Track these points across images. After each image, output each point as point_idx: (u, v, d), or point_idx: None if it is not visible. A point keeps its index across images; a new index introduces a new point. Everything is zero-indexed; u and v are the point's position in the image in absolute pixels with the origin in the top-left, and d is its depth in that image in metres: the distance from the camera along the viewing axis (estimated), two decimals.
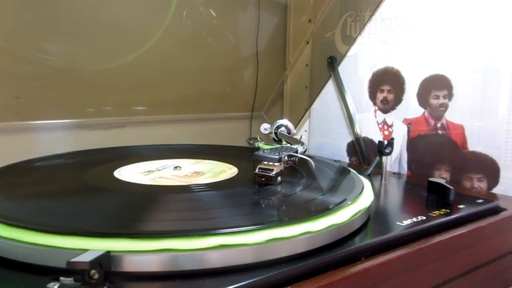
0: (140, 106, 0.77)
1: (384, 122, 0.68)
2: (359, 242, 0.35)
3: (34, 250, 0.29)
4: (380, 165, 0.59)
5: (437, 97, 0.61)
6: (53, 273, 0.27)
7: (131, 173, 0.50)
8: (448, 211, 0.44)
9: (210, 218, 0.35)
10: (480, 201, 0.48)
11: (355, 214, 0.37)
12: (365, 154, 0.70)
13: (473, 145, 0.57)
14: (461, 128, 0.58)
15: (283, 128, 0.63)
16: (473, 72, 0.57)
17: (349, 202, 0.38)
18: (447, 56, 0.59)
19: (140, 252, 0.28)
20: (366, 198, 0.41)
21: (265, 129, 0.67)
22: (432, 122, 0.62)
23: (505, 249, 0.46)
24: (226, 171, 0.52)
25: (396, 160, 0.66)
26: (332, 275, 0.31)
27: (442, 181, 0.48)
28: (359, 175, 0.49)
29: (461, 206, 0.46)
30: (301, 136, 0.82)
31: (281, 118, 0.87)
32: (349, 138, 0.74)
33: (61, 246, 0.29)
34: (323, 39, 0.80)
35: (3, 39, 0.59)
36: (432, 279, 0.39)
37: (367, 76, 0.70)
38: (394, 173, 0.66)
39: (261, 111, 0.94)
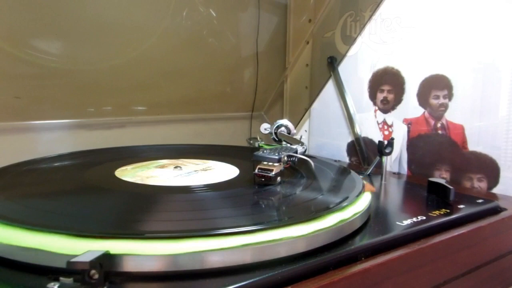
0: (140, 106, 0.77)
1: (384, 122, 0.68)
2: (359, 242, 0.35)
3: (34, 250, 0.29)
4: (380, 165, 0.59)
5: (437, 97, 0.61)
6: (53, 273, 0.27)
7: (131, 173, 0.50)
8: (448, 211, 0.44)
9: (210, 219, 0.35)
10: (480, 201, 0.48)
11: (355, 214, 0.37)
12: (365, 154, 0.70)
13: (473, 145, 0.57)
14: (461, 128, 0.58)
15: (283, 128, 0.63)
16: (473, 72, 0.57)
17: (348, 202, 0.38)
18: (447, 56, 0.59)
19: (140, 252, 0.28)
20: (366, 198, 0.42)
21: (265, 129, 0.67)
22: (432, 122, 0.62)
23: (505, 249, 0.46)
24: (226, 171, 0.52)
25: (396, 160, 0.66)
26: (332, 275, 0.31)
27: (442, 181, 0.48)
28: (359, 175, 0.49)
29: (461, 206, 0.46)
30: (301, 136, 0.82)
31: (281, 118, 0.87)
32: (349, 138, 0.74)
33: (61, 246, 0.29)
34: (323, 39, 0.80)
35: (3, 39, 0.59)
36: (432, 279, 0.39)
37: (367, 76, 0.70)
38: (394, 173, 0.66)
39: (261, 111, 0.94)
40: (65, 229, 0.30)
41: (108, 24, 0.68)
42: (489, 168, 0.55)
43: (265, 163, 0.45)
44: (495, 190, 0.55)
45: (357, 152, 0.72)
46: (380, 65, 0.68)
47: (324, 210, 0.36)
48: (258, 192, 0.43)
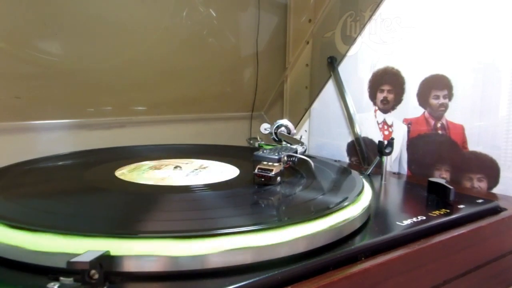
0: (140, 106, 0.77)
1: (384, 122, 0.68)
2: (359, 242, 0.35)
3: (34, 250, 0.29)
4: (380, 165, 0.59)
5: (437, 97, 0.61)
6: (53, 273, 0.27)
7: (131, 173, 0.50)
8: (448, 211, 0.44)
9: (210, 218, 0.35)
10: (480, 201, 0.48)
11: (355, 213, 0.37)
12: (365, 154, 0.70)
13: (473, 145, 0.57)
14: (461, 128, 0.58)
15: (283, 128, 0.63)
16: (473, 72, 0.57)
17: (348, 202, 0.38)
18: (447, 56, 0.59)
19: (140, 252, 0.28)
20: (365, 198, 0.42)
21: (265, 129, 0.67)
22: (432, 122, 0.62)
23: (505, 249, 0.46)
24: (226, 171, 0.52)
25: (396, 160, 0.66)
26: (332, 275, 0.31)
27: (442, 181, 0.48)
28: (359, 175, 0.49)
29: (461, 206, 0.46)
30: (301, 136, 0.82)
31: (281, 118, 0.87)
32: (349, 138, 0.74)
33: (61, 246, 0.29)
34: (323, 39, 0.80)
35: (3, 39, 0.59)
36: (432, 279, 0.39)
37: (367, 76, 0.70)
38: (394, 173, 0.66)
39: (261, 111, 0.94)
40: (65, 229, 0.30)
41: (108, 24, 0.68)
42: (489, 168, 0.55)
43: (265, 163, 0.45)
44: (495, 190, 0.55)
45: (357, 152, 0.72)
46: (380, 65, 0.68)
47: (324, 210, 0.36)
48: (258, 192, 0.43)
